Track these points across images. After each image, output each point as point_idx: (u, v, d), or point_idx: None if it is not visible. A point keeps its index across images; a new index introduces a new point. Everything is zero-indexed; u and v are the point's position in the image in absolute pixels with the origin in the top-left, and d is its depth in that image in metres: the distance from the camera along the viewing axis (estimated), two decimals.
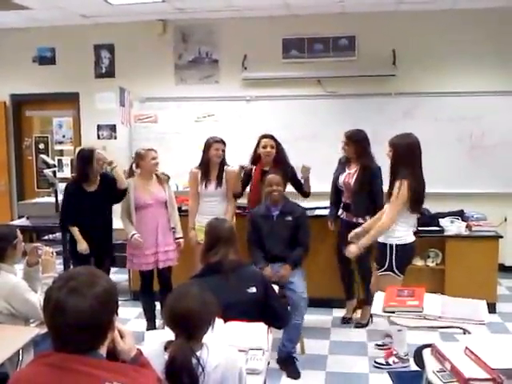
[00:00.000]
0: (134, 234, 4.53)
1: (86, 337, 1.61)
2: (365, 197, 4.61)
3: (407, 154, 3.87)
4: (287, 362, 4.06)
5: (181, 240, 4.82)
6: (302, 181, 4.81)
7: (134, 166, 4.73)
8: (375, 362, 4.13)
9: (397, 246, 3.88)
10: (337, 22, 6.51)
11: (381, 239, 3.96)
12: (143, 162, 4.64)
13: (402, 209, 3.84)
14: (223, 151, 4.83)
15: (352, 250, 4.03)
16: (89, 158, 4.50)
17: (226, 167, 4.87)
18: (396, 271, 3.90)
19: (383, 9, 6.28)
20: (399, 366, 3.99)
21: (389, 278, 3.88)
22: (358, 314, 5.02)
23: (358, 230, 4.18)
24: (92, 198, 4.53)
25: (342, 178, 4.81)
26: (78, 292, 1.60)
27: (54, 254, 3.45)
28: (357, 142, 4.68)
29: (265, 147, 4.79)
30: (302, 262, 4.37)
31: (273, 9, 6.32)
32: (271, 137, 4.81)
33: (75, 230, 4.50)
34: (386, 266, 3.92)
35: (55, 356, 1.62)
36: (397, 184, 3.82)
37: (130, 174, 4.77)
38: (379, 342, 4.43)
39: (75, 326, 1.58)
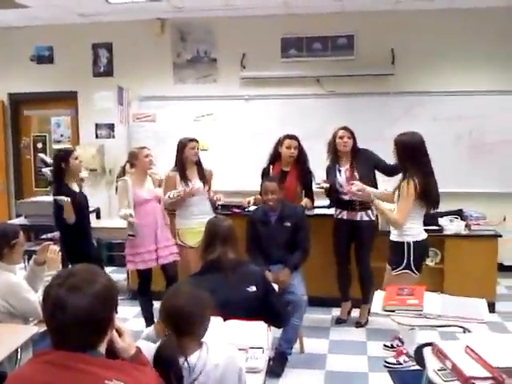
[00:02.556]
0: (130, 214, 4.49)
1: (85, 334, 1.61)
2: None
3: (410, 151, 3.86)
4: (276, 359, 3.99)
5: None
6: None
7: (127, 166, 4.69)
8: (386, 361, 4.10)
9: (414, 243, 3.88)
10: (336, 20, 6.50)
11: (395, 238, 3.96)
12: (137, 161, 4.62)
13: (414, 207, 3.84)
14: (198, 149, 4.77)
15: (360, 188, 4.08)
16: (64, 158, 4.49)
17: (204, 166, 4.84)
18: (413, 269, 3.90)
19: (382, 8, 6.27)
20: (410, 364, 3.97)
21: (406, 276, 3.86)
22: (356, 313, 5.01)
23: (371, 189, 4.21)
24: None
25: (341, 177, 4.79)
26: (78, 289, 1.60)
27: (59, 252, 3.45)
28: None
29: (289, 148, 4.75)
30: (301, 265, 4.35)
31: (271, 8, 6.31)
32: (295, 138, 4.77)
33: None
34: (403, 265, 3.90)
35: (54, 354, 1.61)
36: (403, 184, 3.84)
37: (123, 174, 4.71)
38: (387, 344, 4.37)
39: (74, 323, 1.58)
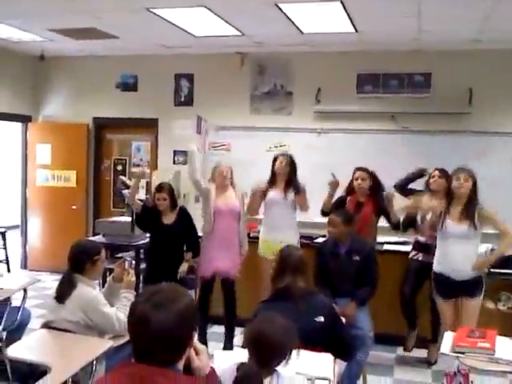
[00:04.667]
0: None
1: (166, 350, 1.67)
2: None
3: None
4: None
5: (243, 256, 5.05)
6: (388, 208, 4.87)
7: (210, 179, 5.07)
8: None
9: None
10: (412, 58, 6.51)
11: (475, 274, 4.13)
12: (214, 177, 4.99)
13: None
14: (286, 164, 5.07)
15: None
16: None
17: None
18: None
19: (460, 47, 6.24)
20: None
21: (479, 304, 4.18)
22: (419, 353, 4.97)
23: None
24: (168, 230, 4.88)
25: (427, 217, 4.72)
26: (162, 306, 1.68)
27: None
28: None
29: (357, 179, 4.91)
30: (369, 300, 4.33)
31: (348, 44, 6.42)
32: (364, 169, 4.93)
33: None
34: (482, 293, 4.17)
35: (136, 366, 1.69)
36: (486, 211, 4.08)
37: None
38: None
39: (157, 338, 1.65)
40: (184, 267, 4.88)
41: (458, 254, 4.12)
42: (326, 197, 4.99)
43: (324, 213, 4.98)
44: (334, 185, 4.96)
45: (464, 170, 4.19)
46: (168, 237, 4.83)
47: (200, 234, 5.05)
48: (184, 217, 4.98)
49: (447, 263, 4.18)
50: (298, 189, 5.02)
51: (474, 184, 4.13)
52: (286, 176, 5.03)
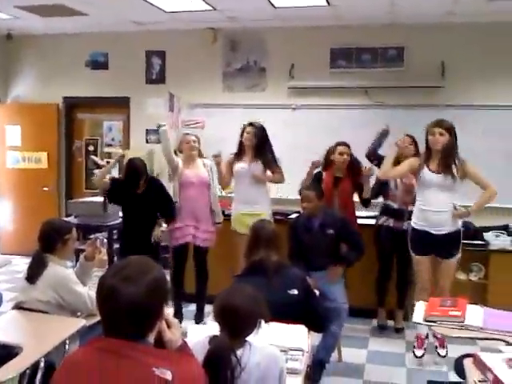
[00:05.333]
0: None
1: (135, 323, 1.66)
2: None
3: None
4: (314, 366, 3.94)
5: (219, 225, 5.04)
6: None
7: (177, 151, 5.06)
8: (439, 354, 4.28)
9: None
10: (386, 32, 6.51)
11: (453, 228, 4.15)
12: (181, 146, 4.97)
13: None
14: (253, 134, 4.95)
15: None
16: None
17: None
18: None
19: (433, 20, 6.24)
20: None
21: (456, 264, 4.28)
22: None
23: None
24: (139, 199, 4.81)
25: (397, 180, 4.80)
26: (131, 279, 1.66)
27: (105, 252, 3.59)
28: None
29: (341, 154, 4.88)
30: (354, 263, 4.38)
31: (321, 19, 6.37)
32: (347, 145, 4.92)
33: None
34: (459, 251, 4.21)
35: (106, 341, 1.68)
36: (468, 162, 4.10)
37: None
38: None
39: (126, 312, 1.64)
40: (157, 231, 4.88)
41: (437, 204, 4.12)
42: (305, 176, 4.94)
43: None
44: (317, 164, 4.93)
45: (439, 124, 4.16)
46: (139, 205, 4.81)
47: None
48: (154, 185, 4.93)
49: (426, 215, 4.17)
50: (267, 161, 4.92)
51: (452, 135, 4.12)
52: (253, 147, 4.93)
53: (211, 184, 4.95)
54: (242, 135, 4.98)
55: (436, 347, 4.33)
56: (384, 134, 5.04)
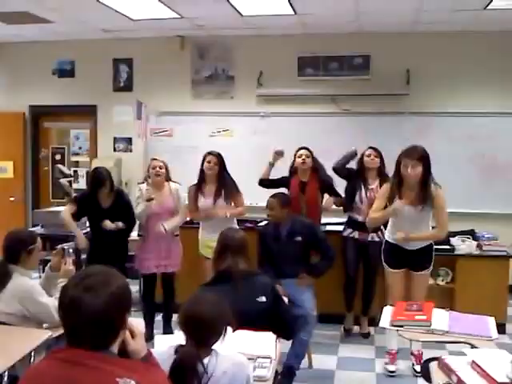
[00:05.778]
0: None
1: (98, 334, 1.64)
2: None
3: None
4: (284, 374, 3.93)
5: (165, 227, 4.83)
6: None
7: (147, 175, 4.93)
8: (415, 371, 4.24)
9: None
10: (352, 40, 6.60)
11: (426, 242, 4.18)
12: (149, 171, 4.88)
13: None
14: (217, 164, 4.77)
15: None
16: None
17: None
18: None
19: (398, 29, 6.36)
20: None
21: (429, 276, 4.36)
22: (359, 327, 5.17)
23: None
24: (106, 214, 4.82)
25: (362, 194, 4.85)
26: (93, 290, 1.64)
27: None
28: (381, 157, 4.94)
29: (300, 156, 4.96)
30: (324, 272, 4.42)
31: (288, 27, 6.43)
32: (306, 148, 5.01)
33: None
34: (431, 264, 4.25)
35: (68, 351, 1.65)
36: (441, 193, 3.98)
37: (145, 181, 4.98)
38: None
39: (89, 322, 1.62)
40: (108, 222, 4.77)
41: (412, 230, 4.10)
42: (266, 166, 5.09)
43: (262, 182, 5.13)
44: (279, 154, 5.05)
45: (410, 155, 3.93)
46: (104, 219, 4.79)
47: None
48: (121, 201, 4.90)
49: (400, 237, 4.15)
50: (229, 192, 4.79)
51: (426, 164, 3.93)
52: (216, 175, 4.79)
53: (178, 207, 4.89)
54: (202, 164, 4.82)
55: (413, 364, 4.31)
56: (352, 156, 5.06)
